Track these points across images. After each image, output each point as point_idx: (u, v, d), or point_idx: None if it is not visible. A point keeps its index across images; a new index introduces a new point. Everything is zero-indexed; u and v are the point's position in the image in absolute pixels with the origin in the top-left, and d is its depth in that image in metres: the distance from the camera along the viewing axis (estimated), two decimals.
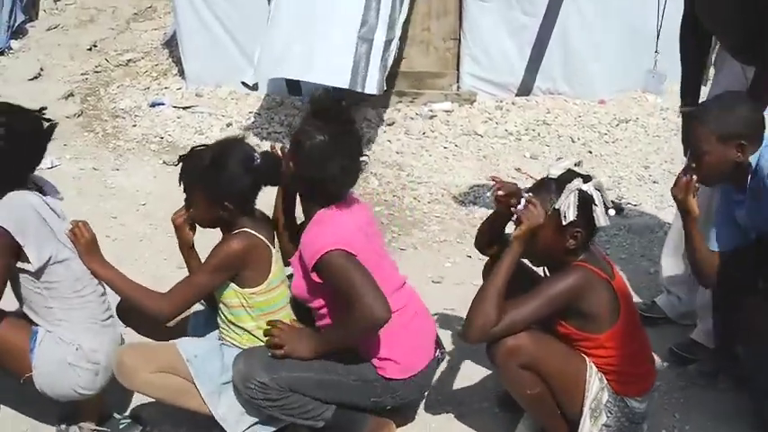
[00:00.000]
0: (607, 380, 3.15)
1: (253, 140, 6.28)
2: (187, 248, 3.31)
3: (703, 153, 3.21)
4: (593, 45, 6.81)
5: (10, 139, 3.04)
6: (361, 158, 3.20)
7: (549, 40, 6.81)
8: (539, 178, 3.21)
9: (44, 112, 3.22)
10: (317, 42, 5.74)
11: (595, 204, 2.98)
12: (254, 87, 6.77)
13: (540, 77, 6.95)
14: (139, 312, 3.24)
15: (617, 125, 6.64)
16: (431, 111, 6.74)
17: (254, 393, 3.10)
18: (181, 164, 3.22)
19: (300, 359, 3.12)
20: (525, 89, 6.99)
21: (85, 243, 3.17)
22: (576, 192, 2.99)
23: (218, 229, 3.26)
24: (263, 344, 3.19)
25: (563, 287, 3.04)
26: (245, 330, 3.21)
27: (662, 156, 6.12)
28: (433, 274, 4.56)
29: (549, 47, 6.84)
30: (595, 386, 3.14)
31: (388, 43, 5.87)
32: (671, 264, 4.20)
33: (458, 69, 7.05)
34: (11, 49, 8.24)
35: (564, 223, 2.99)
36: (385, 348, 3.20)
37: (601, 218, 2.99)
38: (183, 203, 3.23)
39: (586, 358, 3.13)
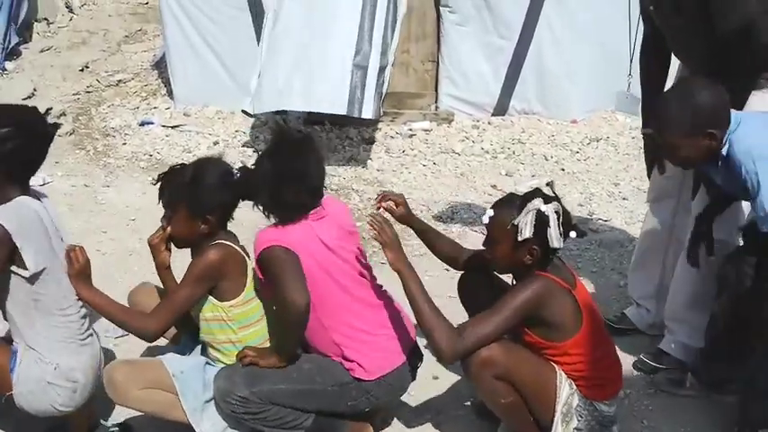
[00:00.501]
0: (576, 385, 3.17)
1: (237, 157, 6.29)
2: (163, 269, 3.32)
3: (674, 148, 3.23)
4: (566, 68, 6.86)
5: (23, 135, 3.06)
6: (317, 184, 3.25)
7: (523, 62, 6.86)
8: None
9: (49, 112, 3.24)
10: (315, 72, 5.80)
11: (549, 226, 3.00)
12: (254, 115, 6.75)
13: (515, 98, 6.99)
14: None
15: (588, 144, 6.68)
16: (410, 130, 6.76)
17: (235, 408, 3.10)
18: (161, 182, 3.24)
19: (278, 368, 3.14)
20: (501, 109, 7.02)
21: (79, 267, 3.13)
22: (535, 211, 3.01)
23: (190, 251, 3.27)
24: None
25: (525, 297, 3.06)
26: (228, 342, 3.21)
27: (631, 173, 6.15)
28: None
29: (523, 69, 6.88)
30: (565, 392, 3.16)
31: (381, 69, 5.92)
32: (639, 278, 4.23)
33: (436, 90, 7.09)
34: (5, 69, 8.21)
35: (519, 239, 3.02)
36: (349, 350, 3.23)
37: (554, 239, 3.01)
38: (160, 224, 3.24)
39: (555, 366, 3.14)
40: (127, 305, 3.39)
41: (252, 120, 6.90)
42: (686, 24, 3.50)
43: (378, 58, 5.89)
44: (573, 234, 3.10)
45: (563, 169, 6.27)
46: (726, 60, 3.37)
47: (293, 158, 3.19)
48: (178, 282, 3.24)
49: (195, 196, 3.11)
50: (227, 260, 3.15)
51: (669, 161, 3.40)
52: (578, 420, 3.17)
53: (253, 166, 3.23)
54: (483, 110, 7.03)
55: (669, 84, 3.91)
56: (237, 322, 3.19)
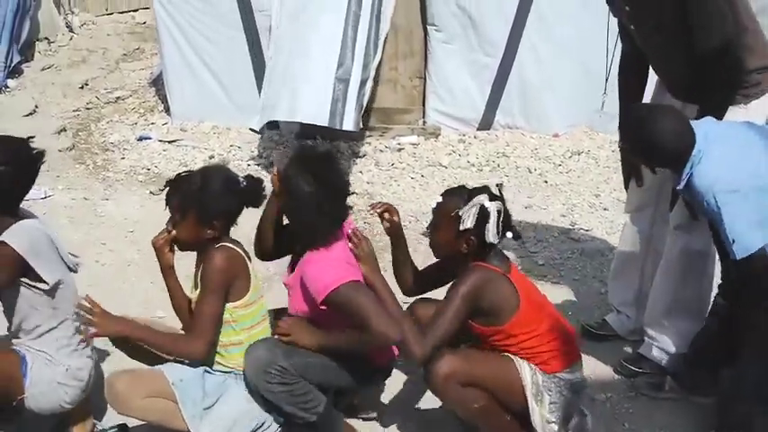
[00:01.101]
0: (534, 365, 3.19)
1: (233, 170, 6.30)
2: (168, 268, 3.31)
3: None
4: (548, 84, 6.86)
5: (13, 163, 3.06)
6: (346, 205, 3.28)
7: (507, 79, 6.86)
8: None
9: (32, 140, 3.23)
10: (301, 85, 5.79)
11: (489, 222, 3.08)
12: (261, 131, 6.74)
13: (500, 113, 6.99)
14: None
15: (570, 157, 6.69)
16: (399, 144, 6.77)
17: (273, 378, 3.11)
18: (168, 188, 3.22)
19: (303, 347, 3.16)
20: (486, 124, 7.03)
21: (100, 314, 3.08)
22: (479, 206, 3.10)
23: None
24: (236, 364, 3.22)
25: (468, 287, 3.13)
26: (231, 345, 3.20)
27: (611, 185, 6.16)
28: (400, 293, 4.55)
29: (507, 85, 6.89)
30: (528, 374, 3.19)
31: (363, 83, 5.89)
32: (618, 286, 4.24)
33: (423, 106, 7.09)
34: (8, 87, 8.20)
35: (461, 228, 3.11)
36: None
37: (491, 235, 3.11)
38: (165, 227, 3.23)
39: (509, 354, 3.19)
40: (134, 317, 3.36)
41: (252, 135, 6.91)
42: (666, 42, 3.51)
43: (359, 71, 5.88)
44: (509, 234, 3.18)
45: (546, 181, 6.28)
46: (703, 77, 3.39)
47: (331, 173, 3.21)
48: (180, 281, 3.29)
49: (203, 203, 3.11)
50: (234, 262, 3.16)
51: (648, 168, 3.43)
52: (549, 395, 3.21)
53: (287, 189, 3.18)
54: (469, 124, 7.03)
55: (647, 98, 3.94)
56: (241, 323, 3.20)
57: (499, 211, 3.12)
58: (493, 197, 3.14)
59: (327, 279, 3.08)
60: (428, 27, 6.81)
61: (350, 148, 6.66)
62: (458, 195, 3.20)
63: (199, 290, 3.17)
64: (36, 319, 3.15)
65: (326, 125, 5.69)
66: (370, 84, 6.05)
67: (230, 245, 3.20)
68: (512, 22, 6.69)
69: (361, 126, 6.08)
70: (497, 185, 3.23)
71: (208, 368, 3.25)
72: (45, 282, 3.07)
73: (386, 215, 3.48)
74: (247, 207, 3.26)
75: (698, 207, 3.28)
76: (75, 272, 3.33)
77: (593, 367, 4.00)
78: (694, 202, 3.25)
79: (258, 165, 6.45)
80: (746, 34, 3.43)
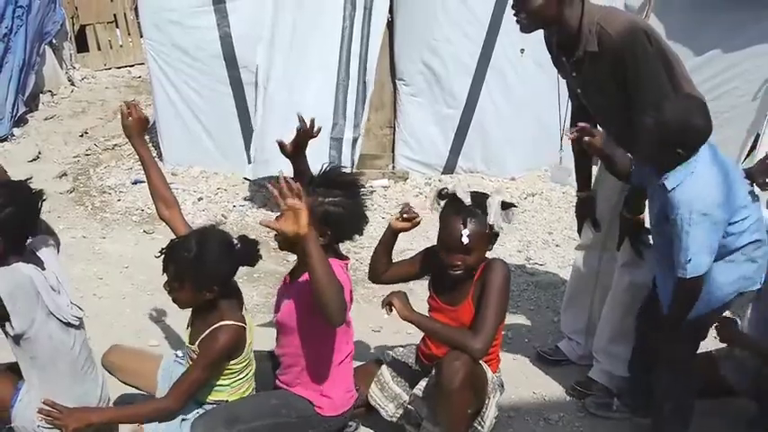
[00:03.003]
0: (487, 363, 3.20)
1: (219, 211, 6.29)
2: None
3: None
4: (505, 133, 6.92)
5: (16, 204, 2.97)
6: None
7: (468, 127, 6.91)
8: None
9: (30, 181, 3.14)
10: None
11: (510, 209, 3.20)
12: (255, 181, 6.72)
13: (462, 159, 7.04)
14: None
15: (525, 198, 6.73)
16: (371, 187, 6.77)
17: None
18: (164, 255, 3.06)
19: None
20: (449, 168, 7.07)
21: (64, 415, 2.97)
22: (498, 201, 3.12)
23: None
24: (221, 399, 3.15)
25: (504, 279, 3.15)
26: (219, 385, 3.15)
27: (563, 224, 6.21)
28: (373, 324, 4.54)
29: (468, 133, 6.94)
30: (489, 374, 3.19)
31: (354, 140, 6.15)
32: (570, 315, 4.26)
33: (393, 152, 7.12)
34: (14, 135, 8.16)
35: (494, 232, 3.14)
36: (330, 387, 3.20)
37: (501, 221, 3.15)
38: (166, 283, 3.09)
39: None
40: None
41: (237, 178, 6.91)
42: (608, 104, 3.54)
43: (351, 130, 6.10)
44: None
45: (501, 228, 6.28)
46: (637, 133, 3.36)
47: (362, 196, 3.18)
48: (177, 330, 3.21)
49: (199, 272, 2.97)
50: (235, 341, 3.04)
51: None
52: (498, 392, 3.26)
53: (333, 209, 3.03)
54: (434, 169, 7.07)
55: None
56: (229, 372, 3.13)
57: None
58: (482, 195, 3.17)
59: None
60: (397, 82, 6.87)
61: None
62: (472, 214, 3.12)
63: (197, 356, 3.06)
64: (23, 365, 3.04)
65: None
66: (360, 141, 6.25)
67: (229, 321, 3.03)
68: (472, 77, 6.75)
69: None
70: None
71: (184, 416, 3.13)
72: (13, 327, 2.92)
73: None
74: (242, 266, 3.14)
75: (662, 216, 3.17)
76: (77, 326, 3.14)
77: (548, 389, 4.01)
78: (665, 209, 3.13)
79: (243, 206, 6.44)
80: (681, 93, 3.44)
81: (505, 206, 3.17)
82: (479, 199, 3.14)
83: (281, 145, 3.41)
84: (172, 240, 3.12)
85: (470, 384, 3.04)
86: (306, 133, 3.37)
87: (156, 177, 3.38)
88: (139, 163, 3.45)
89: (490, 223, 3.09)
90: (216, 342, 2.99)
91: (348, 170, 5.78)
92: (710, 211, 3.03)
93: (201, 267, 2.96)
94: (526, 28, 3.42)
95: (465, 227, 3.09)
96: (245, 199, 6.59)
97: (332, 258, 2.96)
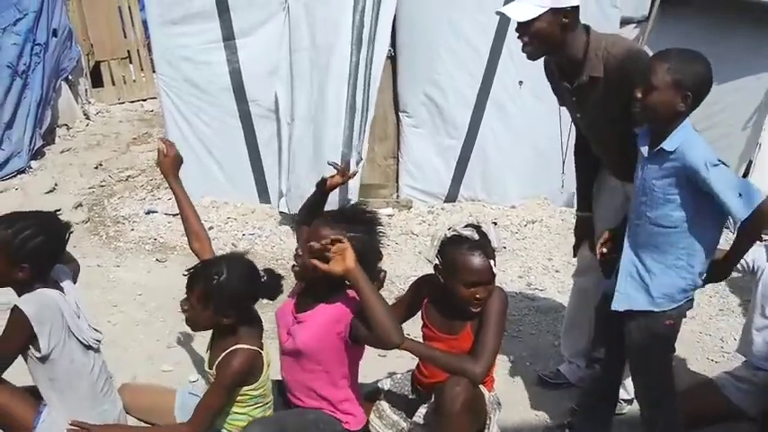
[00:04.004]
0: (483, 384, 3.18)
1: (229, 240, 6.30)
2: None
3: (653, 88, 2.91)
4: (505, 162, 6.94)
5: (46, 234, 3.01)
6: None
7: (469, 157, 6.94)
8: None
9: (59, 212, 3.19)
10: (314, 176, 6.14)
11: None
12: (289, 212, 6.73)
13: (463, 188, 7.06)
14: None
15: (525, 225, 6.74)
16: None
17: None
18: (192, 273, 3.06)
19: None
20: (451, 197, 7.09)
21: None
22: (493, 226, 3.20)
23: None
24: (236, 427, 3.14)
25: (502, 305, 3.14)
26: (236, 413, 3.13)
27: (562, 250, 6.21)
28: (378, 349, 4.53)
29: (470, 163, 6.96)
30: (486, 394, 3.17)
31: (357, 163, 6.27)
32: (569, 339, 4.25)
33: (397, 182, 7.14)
34: (31, 167, 8.20)
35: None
36: (350, 405, 3.24)
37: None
38: (185, 301, 3.08)
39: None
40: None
41: (245, 208, 6.93)
42: (608, 129, 3.55)
43: (356, 156, 6.25)
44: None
45: (504, 247, 6.30)
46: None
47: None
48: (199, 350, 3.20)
49: (224, 298, 2.98)
50: (251, 364, 3.03)
51: (633, 108, 3.13)
52: (496, 409, 3.23)
53: (355, 243, 2.99)
54: (436, 198, 7.08)
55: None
56: (246, 400, 3.12)
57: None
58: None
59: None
60: (400, 114, 6.90)
61: None
62: (483, 247, 3.12)
63: (214, 380, 3.07)
64: (42, 387, 3.05)
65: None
66: (362, 164, 6.47)
67: (246, 345, 3.02)
68: (472, 109, 6.79)
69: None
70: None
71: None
72: (39, 349, 2.95)
73: None
74: (262, 299, 3.14)
75: (655, 176, 3.01)
76: (96, 350, 3.17)
77: (549, 411, 3.99)
78: (678, 171, 2.94)
79: (252, 235, 6.46)
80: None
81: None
82: (478, 231, 3.16)
83: (324, 180, 3.65)
84: (202, 261, 3.14)
85: (471, 408, 3.04)
86: (345, 176, 3.66)
87: (190, 213, 3.48)
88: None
89: (494, 247, 3.12)
90: (229, 366, 2.99)
91: (367, 208, 5.87)
92: (717, 162, 2.87)
93: (227, 292, 2.97)
94: (532, 55, 3.43)
95: (489, 257, 3.10)
96: (253, 227, 6.61)
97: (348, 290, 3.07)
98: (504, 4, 3.55)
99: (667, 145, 2.93)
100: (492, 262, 3.10)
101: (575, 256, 4.12)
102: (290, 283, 3.31)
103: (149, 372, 4.28)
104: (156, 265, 5.89)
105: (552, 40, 3.36)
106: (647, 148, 3.05)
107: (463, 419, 3.02)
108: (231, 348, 3.02)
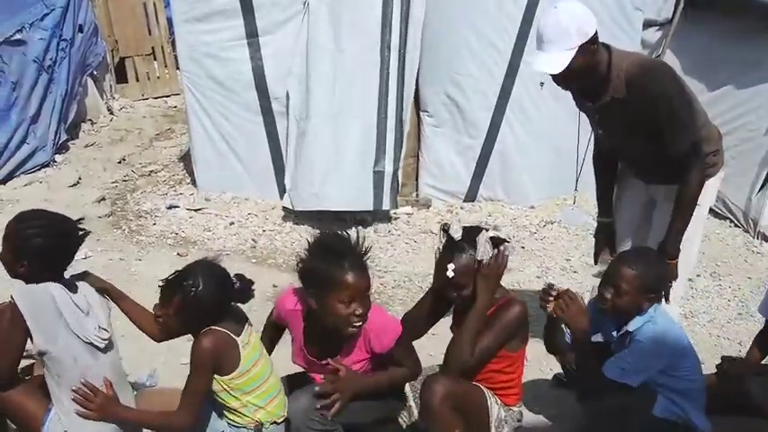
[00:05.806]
0: (500, 396, 3.18)
1: (249, 236, 6.31)
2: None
3: (623, 293, 3.21)
4: (525, 162, 6.93)
5: (46, 236, 3.00)
6: None
7: (489, 157, 6.93)
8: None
9: (81, 222, 3.18)
10: (345, 180, 6.38)
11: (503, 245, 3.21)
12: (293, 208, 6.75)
13: (483, 187, 7.04)
14: None
15: (544, 226, 6.71)
16: (395, 214, 6.80)
17: (315, 424, 3.07)
18: (165, 286, 3.09)
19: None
20: (471, 196, 7.07)
21: (98, 406, 3.02)
22: (488, 240, 3.13)
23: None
24: (250, 420, 3.11)
25: (513, 317, 3.18)
26: (242, 407, 3.10)
27: (581, 250, 6.18)
28: None
29: (489, 163, 6.95)
30: (494, 408, 3.16)
31: (394, 173, 6.45)
32: None
33: (417, 181, 7.14)
34: (55, 161, 8.26)
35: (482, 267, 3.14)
36: None
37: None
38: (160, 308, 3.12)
39: (480, 386, 3.18)
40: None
41: (266, 204, 6.95)
42: (632, 142, 3.60)
43: (391, 165, 6.41)
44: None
45: (523, 247, 6.29)
46: (677, 167, 3.49)
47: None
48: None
49: (197, 309, 2.98)
50: (219, 344, 2.99)
51: (609, 300, 3.33)
52: (506, 426, 3.21)
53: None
54: (456, 197, 7.07)
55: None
56: (240, 390, 3.07)
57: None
58: (475, 230, 3.21)
59: (392, 321, 3.21)
60: (421, 113, 6.89)
61: (353, 217, 6.69)
62: (461, 251, 3.17)
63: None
64: (49, 384, 3.04)
65: (371, 209, 6.46)
66: (400, 173, 6.59)
67: (215, 327, 3.01)
68: (493, 109, 6.77)
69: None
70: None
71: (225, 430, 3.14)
72: (33, 344, 2.93)
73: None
74: (235, 303, 3.14)
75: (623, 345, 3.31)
76: (102, 350, 3.12)
77: (565, 413, 3.97)
78: (624, 340, 3.30)
79: (272, 231, 6.48)
80: (702, 129, 3.56)
81: (498, 242, 3.17)
82: (473, 234, 3.16)
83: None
84: (176, 272, 3.11)
85: (454, 406, 3.06)
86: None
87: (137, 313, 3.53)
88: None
89: (478, 258, 3.09)
90: (198, 345, 2.98)
91: (390, 200, 6.27)
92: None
93: (199, 305, 2.97)
94: (570, 88, 3.55)
95: (451, 261, 3.14)
96: (274, 224, 6.62)
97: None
98: (533, 45, 3.54)
99: (631, 326, 3.26)
100: (451, 266, 3.14)
101: (596, 263, 4.11)
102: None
103: (169, 365, 4.29)
104: (178, 259, 5.91)
105: (589, 71, 3.40)
106: (614, 333, 3.39)
107: (445, 414, 3.05)
108: (203, 331, 3.02)
